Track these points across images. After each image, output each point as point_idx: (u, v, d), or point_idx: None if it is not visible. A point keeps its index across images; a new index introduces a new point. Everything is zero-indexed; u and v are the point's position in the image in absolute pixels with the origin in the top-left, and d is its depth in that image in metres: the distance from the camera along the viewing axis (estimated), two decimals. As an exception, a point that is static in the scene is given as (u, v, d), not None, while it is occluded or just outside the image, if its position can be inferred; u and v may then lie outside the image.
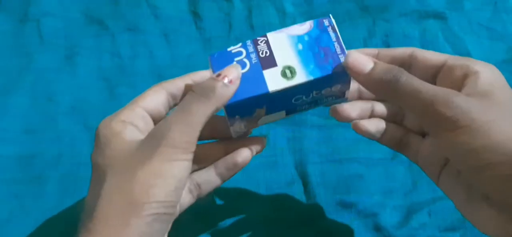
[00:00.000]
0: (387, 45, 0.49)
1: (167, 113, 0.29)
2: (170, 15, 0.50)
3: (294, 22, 0.50)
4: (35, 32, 0.48)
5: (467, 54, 0.48)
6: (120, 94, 0.45)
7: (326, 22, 0.29)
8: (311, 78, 0.27)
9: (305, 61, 0.27)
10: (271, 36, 0.28)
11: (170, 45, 0.48)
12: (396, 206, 0.38)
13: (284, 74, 0.27)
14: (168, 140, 0.24)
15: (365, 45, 0.49)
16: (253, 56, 0.28)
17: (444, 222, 0.37)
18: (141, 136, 0.26)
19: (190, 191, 0.29)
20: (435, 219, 0.37)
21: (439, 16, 0.50)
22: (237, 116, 0.27)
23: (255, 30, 0.50)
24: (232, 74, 0.26)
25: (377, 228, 0.37)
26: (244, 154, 0.29)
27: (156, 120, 0.28)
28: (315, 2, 0.52)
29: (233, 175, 0.30)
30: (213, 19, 0.50)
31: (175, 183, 0.24)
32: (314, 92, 0.28)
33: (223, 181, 0.30)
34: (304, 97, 0.28)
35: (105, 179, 0.25)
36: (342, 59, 0.27)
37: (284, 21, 0.50)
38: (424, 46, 0.49)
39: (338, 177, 0.40)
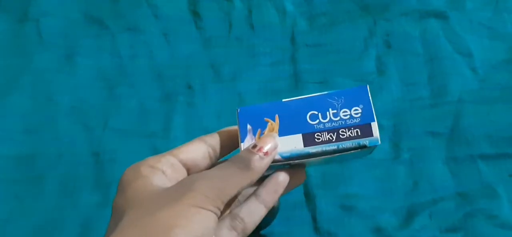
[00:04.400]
0: (388, 44, 0.49)
1: (206, 167, 0.29)
2: (170, 14, 0.50)
3: (294, 21, 0.50)
4: (34, 32, 0.48)
5: (468, 53, 0.48)
6: (120, 94, 0.44)
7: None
8: (325, 93, 0.28)
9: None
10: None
11: (170, 45, 0.48)
12: (396, 207, 0.38)
13: None
14: (199, 188, 0.24)
15: (366, 44, 0.49)
16: None
17: (445, 223, 0.37)
18: (168, 183, 0.26)
19: (234, 228, 0.27)
20: (436, 220, 0.37)
21: (440, 16, 0.50)
22: (248, 126, 0.28)
23: (256, 30, 0.49)
24: (268, 146, 0.26)
25: (378, 229, 0.37)
26: (283, 174, 0.28)
27: (190, 170, 0.28)
28: (315, 1, 0.52)
29: (275, 200, 0.28)
30: (213, 18, 0.50)
31: (200, 229, 0.23)
32: (331, 112, 0.28)
33: (267, 209, 0.28)
34: (320, 118, 0.28)
35: (121, 218, 0.23)
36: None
37: (284, 21, 0.50)
38: (426, 45, 0.48)
39: (338, 177, 0.39)
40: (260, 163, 0.26)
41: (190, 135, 0.42)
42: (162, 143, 0.42)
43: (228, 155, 0.29)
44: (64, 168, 0.40)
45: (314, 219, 0.37)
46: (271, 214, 0.35)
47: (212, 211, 0.24)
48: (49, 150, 0.41)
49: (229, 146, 0.29)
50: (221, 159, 0.30)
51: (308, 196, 0.39)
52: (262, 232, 0.37)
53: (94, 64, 0.46)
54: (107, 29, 0.48)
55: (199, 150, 0.28)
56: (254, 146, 0.26)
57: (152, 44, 0.48)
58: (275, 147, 0.27)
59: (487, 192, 0.39)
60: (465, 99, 0.44)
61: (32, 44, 0.47)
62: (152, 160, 0.27)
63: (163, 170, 0.26)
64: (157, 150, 0.41)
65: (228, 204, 0.28)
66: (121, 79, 0.45)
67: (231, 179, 0.25)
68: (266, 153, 0.26)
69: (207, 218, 0.24)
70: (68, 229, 0.37)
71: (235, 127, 0.29)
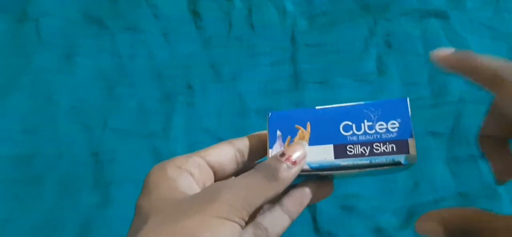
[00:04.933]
0: (389, 44, 0.48)
1: (233, 171, 0.28)
2: (170, 14, 0.50)
3: (294, 21, 0.50)
4: (34, 32, 0.47)
5: (469, 53, 0.47)
6: (120, 94, 0.44)
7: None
8: (361, 103, 0.26)
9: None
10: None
11: (169, 44, 0.48)
12: (397, 207, 0.38)
13: None
14: (225, 199, 0.23)
15: (366, 44, 0.48)
16: None
17: (445, 223, 0.37)
18: (195, 186, 0.25)
19: None
20: (436, 220, 0.37)
21: (440, 15, 0.50)
22: (278, 132, 0.27)
23: (256, 30, 0.49)
24: (297, 154, 0.25)
25: (378, 229, 0.37)
26: (310, 185, 0.27)
27: (217, 173, 0.27)
28: (315, 1, 0.52)
29: (300, 212, 0.27)
30: (213, 18, 0.50)
31: None
32: (366, 124, 0.26)
33: (292, 220, 0.27)
34: (354, 129, 0.26)
35: (146, 222, 0.23)
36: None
37: (284, 21, 0.50)
38: (426, 45, 0.48)
39: (338, 177, 0.39)
40: (288, 173, 0.25)
41: (190, 135, 0.42)
42: (162, 143, 0.42)
43: (259, 159, 0.29)
44: (63, 168, 0.40)
45: (314, 219, 0.37)
46: None
47: (237, 223, 0.23)
48: (48, 150, 0.41)
49: (259, 151, 0.28)
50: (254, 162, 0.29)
51: (308, 196, 0.39)
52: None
53: (93, 64, 0.46)
54: (106, 29, 0.48)
55: (227, 153, 0.27)
56: (282, 154, 0.25)
57: (152, 44, 0.48)
58: (304, 157, 0.26)
59: (487, 192, 0.39)
60: (465, 99, 0.44)
61: (31, 44, 0.47)
62: (179, 160, 0.26)
63: (191, 171, 0.26)
64: (156, 150, 0.41)
65: (253, 214, 0.27)
66: (121, 79, 0.45)
67: (257, 189, 0.24)
68: (294, 163, 0.25)
69: (231, 230, 0.23)
70: (68, 229, 0.37)
71: (266, 132, 0.28)
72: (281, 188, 0.25)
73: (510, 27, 0.50)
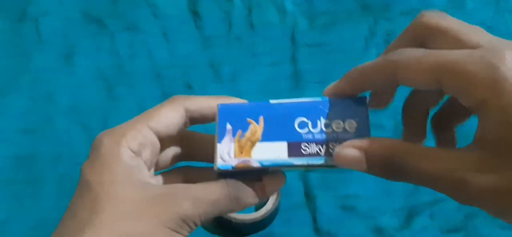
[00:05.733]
0: (389, 44, 0.48)
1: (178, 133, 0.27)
2: (170, 14, 0.50)
3: (294, 20, 0.50)
4: (33, 32, 0.47)
5: (469, 53, 0.47)
6: (119, 94, 0.44)
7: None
8: (318, 99, 0.25)
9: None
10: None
11: (169, 44, 0.48)
12: (397, 208, 0.38)
13: None
14: (182, 211, 0.23)
15: (367, 44, 0.48)
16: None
17: (446, 224, 0.37)
18: (146, 172, 0.25)
19: None
20: (437, 221, 0.37)
21: (441, 15, 0.50)
22: (227, 125, 0.25)
23: (255, 29, 0.49)
24: (272, 190, 0.25)
25: (378, 230, 0.37)
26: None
27: (163, 140, 0.27)
28: (315, 0, 0.52)
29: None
30: (213, 18, 0.50)
31: None
32: (323, 122, 0.25)
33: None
34: (310, 127, 0.25)
35: (98, 212, 0.23)
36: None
37: (284, 20, 0.50)
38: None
39: (338, 178, 0.39)
40: (253, 201, 0.25)
41: (189, 135, 0.42)
42: (162, 143, 0.42)
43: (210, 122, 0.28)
44: (63, 169, 0.40)
45: (314, 219, 0.37)
46: (271, 215, 0.35)
47: (184, 235, 0.24)
48: (48, 151, 0.41)
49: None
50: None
51: (308, 196, 0.38)
52: (262, 233, 0.36)
53: (93, 64, 0.46)
54: (106, 29, 0.48)
55: (177, 121, 0.26)
56: (260, 180, 0.25)
57: (152, 43, 0.48)
58: (275, 194, 0.26)
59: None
60: (466, 99, 0.44)
61: (31, 44, 0.47)
62: (131, 140, 0.25)
63: (142, 154, 0.25)
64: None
65: None
66: (120, 79, 0.45)
67: (216, 205, 0.24)
68: (264, 193, 0.25)
69: None
70: (67, 229, 0.37)
71: (233, 99, 0.27)
72: (239, 210, 0.25)
73: (511, 27, 0.49)
